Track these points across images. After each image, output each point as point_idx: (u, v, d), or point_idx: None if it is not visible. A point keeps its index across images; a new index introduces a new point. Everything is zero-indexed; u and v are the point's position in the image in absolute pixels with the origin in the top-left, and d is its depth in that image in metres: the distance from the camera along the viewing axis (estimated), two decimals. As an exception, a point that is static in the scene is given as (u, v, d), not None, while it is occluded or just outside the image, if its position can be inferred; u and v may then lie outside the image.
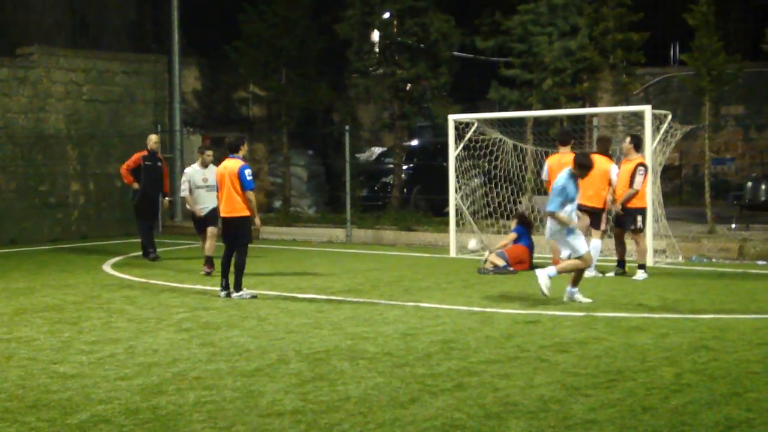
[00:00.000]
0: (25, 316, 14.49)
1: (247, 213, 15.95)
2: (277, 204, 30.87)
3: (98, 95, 28.50)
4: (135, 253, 22.82)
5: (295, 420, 8.41)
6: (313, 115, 31.77)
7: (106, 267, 20.48)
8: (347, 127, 26.46)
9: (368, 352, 11.23)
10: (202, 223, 19.16)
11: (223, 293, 15.88)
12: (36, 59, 27.17)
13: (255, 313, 14.17)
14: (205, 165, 19.25)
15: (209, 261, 18.83)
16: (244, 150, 16.46)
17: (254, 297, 15.72)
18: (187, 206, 19.85)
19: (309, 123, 31.72)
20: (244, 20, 29.25)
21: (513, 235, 18.86)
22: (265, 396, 9.32)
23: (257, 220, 16.77)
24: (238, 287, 15.86)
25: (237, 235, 15.93)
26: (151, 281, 17.95)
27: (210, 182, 18.71)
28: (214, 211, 18.20)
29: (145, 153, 21.62)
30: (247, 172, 15.85)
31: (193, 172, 19.21)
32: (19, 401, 9.41)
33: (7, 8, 30.37)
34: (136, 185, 21.46)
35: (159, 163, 21.85)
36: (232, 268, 15.96)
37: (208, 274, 18.63)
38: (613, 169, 17.19)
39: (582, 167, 14.48)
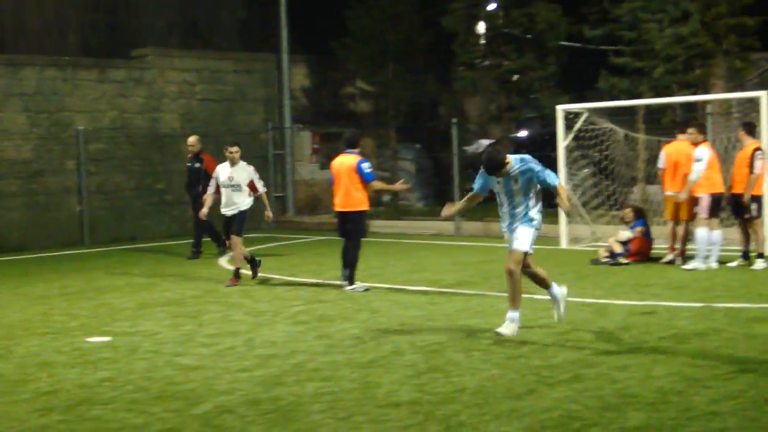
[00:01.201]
0: (147, 310, 14.78)
1: (362, 208, 15.98)
2: (386, 198, 30.85)
3: (211, 94, 28.89)
4: (251, 248, 23.06)
5: (412, 411, 8.41)
6: (419, 109, 31.63)
7: (222, 262, 20.73)
8: (454, 120, 26.26)
9: (482, 344, 11.18)
10: (227, 226, 17.90)
11: (348, 287, 15.99)
12: (150, 61, 27.63)
13: (368, 306, 14.20)
14: (232, 163, 17.75)
15: (236, 272, 17.28)
16: (361, 143, 16.51)
17: (367, 290, 15.73)
18: (204, 206, 18.36)
19: (416, 117, 31.59)
20: (351, 16, 29.34)
21: (642, 229, 18.44)
22: (381, 387, 9.34)
23: (398, 186, 17.03)
24: (350, 281, 15.90)
25: (353, 230, 15.97)
26: (267, 275, 18.06)
27: (235, 181, 17.48)
28: (241, 216, 17.36)
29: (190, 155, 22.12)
30: (365, 165, 15.90)
31: (220, 169, 17.94)
32: (145, 392, 9.59)
33: (121, 12, 30.80)
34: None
35: (197, 164, 21.95)
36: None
37: (233, 284, 16.95)
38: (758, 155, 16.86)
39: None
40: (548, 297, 12.31)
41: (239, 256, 17.18)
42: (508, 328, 11.50)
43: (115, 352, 11.66)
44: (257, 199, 17.58)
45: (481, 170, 12.26)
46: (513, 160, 11.92)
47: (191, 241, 22.01)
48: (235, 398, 9.18)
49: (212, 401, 9.10)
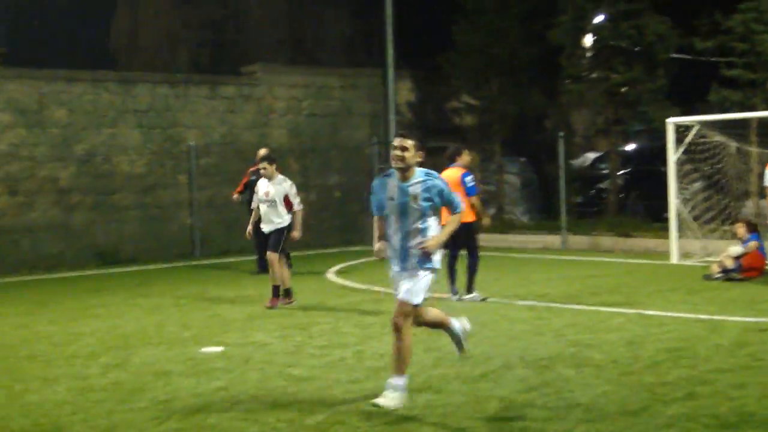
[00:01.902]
0: (257, 321, 15.00)
1: (469, 219, 15.96)
2: (491, 211, 30.76)
3: (317, 110, 29.06)
4: (355, 261, 23.12)
5: (523, 426, 8.35)
6: (525, 123, 31.50)
7: (330, 274, 20.89)
8: (561, 134, 26.12)
9: (593, 360, 11.05)
10: (263, 242, 17.55)
11: (455, 297, 16.02)
12: (259, 77, 27.98)
13: (476, 320, 14.05)
14: (269, 178, 16.94)
15: (275, 291, 16.48)
16: (465, 158, 16.48)
17: (484, 300, 15.82)
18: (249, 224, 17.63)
19: (521, 130, 31.47)
20: (456, 31, 29.30)
21: (756, 243, 18.09)
22: (492, 401, 9.29)
23: (486, 221, 16.79)
24: (470, 289, 16.03)
25: (459, 241, 15.92)
26: (374, 287, 18.14)
27: (271, 196, 16.70)
28: (278, 233, 16.56)
29: (254, 168, 21.42)
30: (469, 179, 16.05)
31: (260, 184, 17.09)
32: (259, 402, 9.71)
33: (230, 29, 31.24)
34: (235, 196, 22.24)
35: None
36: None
37: (271, 307, 16.30)
38: None
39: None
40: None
41: (278, 274, 16.41)
42: (391, 398, 9.02)
43: (228, 362, 11.82)
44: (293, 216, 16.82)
45: (373, 184, 10.06)
46: (417, 171, 9.56)
47: (299, 254, 22.11)
48: (347, 409, 9.20)
49: (325, 412, 9.12)
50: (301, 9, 33.15)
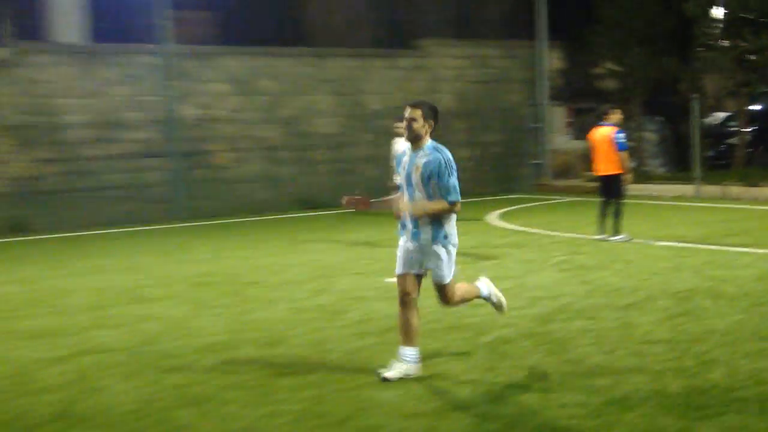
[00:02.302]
0: None
1: (617, 171, 16.02)
2: (632, 164, 30.48)
3: (479, 77, 29.23)
4: (512, 207, 23.21)
5: (668, 347, 8.45)
6: (661, 86, 30.96)
7: (492, 218, 20.95)
8: (695, 95, 25.69)
9: (727, 293, 11.01)
10: None
11: (604, 238, 16.03)
12: (430, 50, 28.28)
13: (621, 257, 14.19)
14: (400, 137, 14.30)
15: None
16: (614, 117, 16.41)
17: (629, 240, 15.82)
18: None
19: (658, 93, 30.95)
20: (599, 5, 28.99)
21: None
22: (639, 327, 9.39)
23: (628, 177, 16.49)
24: (617, 231, 16.03)
25: (611, 190, 16.05)
26: (532, 229, 18.21)
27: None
28: None
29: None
30: (620, 135, 16.07)
31: (398, 144, 15.39)
32: (439, 323, 9.88)
33: (403, 8, 31.49)
34: None
35: None
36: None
37: None
38: None
39: None
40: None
41: None
42: (397, 369, 7.82)
43: None
44: None
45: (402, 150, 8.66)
46: (428, 143, 8.19)
47: (467, 200, 22.14)
48: (513, 331, 9.38)
49: (495, 333, 9.31)
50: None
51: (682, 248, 15.06)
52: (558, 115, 32.05)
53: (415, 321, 8.03)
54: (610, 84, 31.17)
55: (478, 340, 9.07)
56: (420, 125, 8.12)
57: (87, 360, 9.09)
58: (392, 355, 8.16)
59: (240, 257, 16.45)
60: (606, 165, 16.19)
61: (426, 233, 8.05)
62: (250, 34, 28.63)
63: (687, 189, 25.08)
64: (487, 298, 8.92)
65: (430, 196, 8.03)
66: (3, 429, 7.07)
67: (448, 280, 8.18)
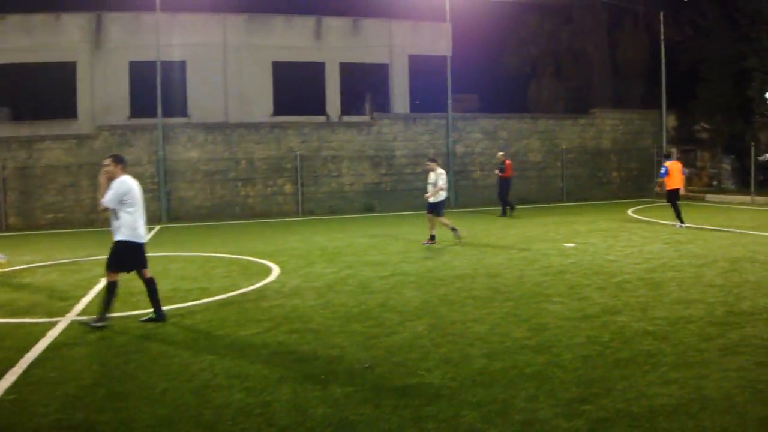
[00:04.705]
0: (592, 233, 14.24)
1: (673, 187, 15.17)
2: (713, 183, 27.94)
3: (626, 130, 26.28)
4: (642, 207, 21.77)
5: (719, 289, 7.91)
6: (734, 137, 27.68)
7: (629, 213, 19.28)
8: (752, 143, 22.98)
9: (760, 259, 9.99)
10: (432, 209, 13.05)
11: (678, 226, 14.72)
12: (597, 114, 26.00)
13: (701, 237, 13.03)
14: (432, 170, 12.76)
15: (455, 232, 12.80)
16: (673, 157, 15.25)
17: (688, 227, 14.43)
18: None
19: (732, 141, 27.75)
20: (697, 88, 26.68)
21: None
22: (705, 277, 8.82)
23: (657, 188, 15.37)
24: (681, 221, 14.75)
25: (671, 200, 15.05)
26: (651, 219, 16.94)
27: (431, 181, 12.81)
28: (439, 203, 12.72)
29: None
30: (663, 168, 15.00)
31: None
32: (588, 269, 9.51)
33: (581, 89, 30.27)
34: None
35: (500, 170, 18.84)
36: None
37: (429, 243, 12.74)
38: None
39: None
40: None
41: (446, 224, 12.84)
42: None
43: (576, 251, 11.50)
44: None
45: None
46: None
47: (615, 202, 21.09)
48: (631, 276, 8.98)
49: (621, 277, 8.94)
50: None
51: (739, 233, 13.80)
52: (672, 153, 29.86)
53: None
54: (703, 135, 28.79)
55: (611, 280, 8.72)
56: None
57: (396, 278, 9.22)
58: (562, 287, 8.07)
59: (482, 228, 15.48)
60: (674, 182, 15.24)
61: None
62: (495, 107, 28.79)
63: (746, 198, 22.77)
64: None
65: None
66: (362, 304, 7.58)
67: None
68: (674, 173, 15.35)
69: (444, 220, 12.76)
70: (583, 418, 4.33)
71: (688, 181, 23.91)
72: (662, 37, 26.54)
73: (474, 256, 11.23)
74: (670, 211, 15.89)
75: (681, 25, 28.36)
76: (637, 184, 26.96)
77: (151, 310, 7.12)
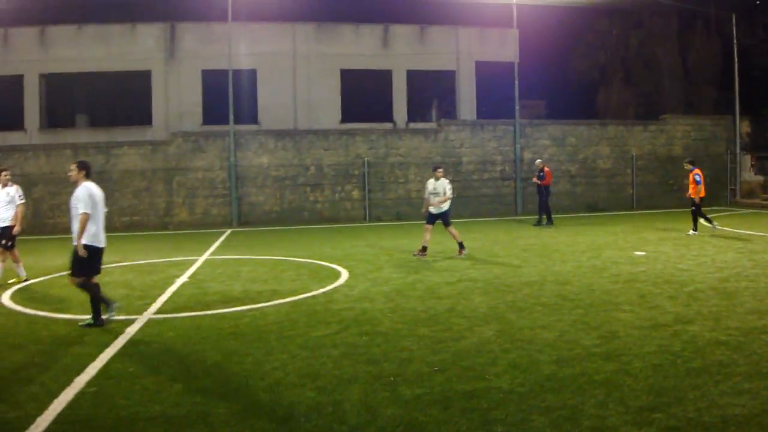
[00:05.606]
0: (662, 241, 13.87)
1: (695, 195, 15.01)
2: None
3: (698, 137, 25.55)
4: (717, 215, 20.86)
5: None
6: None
7: (703, 221, 18.76)
8: None
9: None
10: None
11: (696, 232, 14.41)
12: (668, 120, 25.31)
13: (730, 239, 12.68)
14: (437, 179, 12.17)
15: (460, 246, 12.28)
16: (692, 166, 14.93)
17: (716, 228, 14.22)
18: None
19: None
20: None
21: None
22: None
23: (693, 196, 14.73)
24: (709, 221, 14.73)
25: (694, 209, 14.76)
26: (726, 228, 16.16)
27: (436, 191, 12.20)
28: (447, 212, 12.15)
29: None
30: (695, 174, 14.66)
31: (429, 182, 12.47)
32: (658, 278, 9.30)
33: (652, 95, 29.48)
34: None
35: (539, 177, 18.30)
36: None
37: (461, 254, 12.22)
38: None
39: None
40: None
41: (456, 235, 12.27)
42: None
43: (646, 259, 11.26)
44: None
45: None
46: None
47: (687, 210, 20.37)
48: (704, 286, 8.74)
49: (693, 286, 8.70)
50: None
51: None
52: (746, 160, 28.85)
53: None
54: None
55: (683, 289, 8.53)
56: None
57: (463, 284, 9.20)
58: (632, 296, 7.90)
59: (550, 235, 15.61)
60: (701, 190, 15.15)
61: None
62: (563, 113, 28.38)
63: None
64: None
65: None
66: (427, 306, 7.60)
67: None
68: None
69: (453, 231, 12.23)
70: (653, 426, 4.30)
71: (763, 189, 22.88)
72: (735, 41, 25.51)
73: (542, 263, 11.15)
74: (744, 220, 15.22)
75: (754, 28, 27.20)
76: (709, 192, 25.94)
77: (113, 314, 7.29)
